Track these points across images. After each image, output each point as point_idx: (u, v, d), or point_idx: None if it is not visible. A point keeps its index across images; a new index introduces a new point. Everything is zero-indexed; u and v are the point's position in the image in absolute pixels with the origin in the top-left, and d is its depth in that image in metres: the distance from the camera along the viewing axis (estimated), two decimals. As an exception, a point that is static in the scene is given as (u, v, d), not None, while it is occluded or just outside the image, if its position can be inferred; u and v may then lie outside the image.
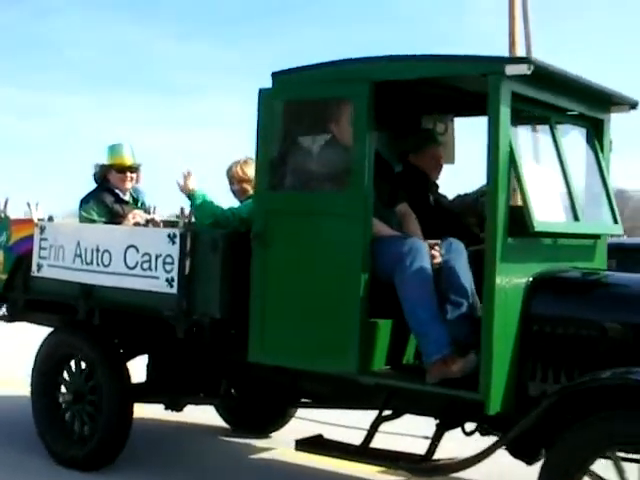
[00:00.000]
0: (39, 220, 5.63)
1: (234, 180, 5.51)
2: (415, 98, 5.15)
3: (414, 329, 4.26)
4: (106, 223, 5.60)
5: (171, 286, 4.84)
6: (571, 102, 4.55)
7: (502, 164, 3.97)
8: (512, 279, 4.03)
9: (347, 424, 5.17)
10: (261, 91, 4.58)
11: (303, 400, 5.33)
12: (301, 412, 6.18)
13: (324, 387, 4.89)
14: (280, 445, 6.17)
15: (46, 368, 5.61)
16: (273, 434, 6.47)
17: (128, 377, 5.39)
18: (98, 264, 5.20)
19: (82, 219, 5.67)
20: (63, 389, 5.60)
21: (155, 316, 4.99)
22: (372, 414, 4.99)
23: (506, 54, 13.60)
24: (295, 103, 4.64)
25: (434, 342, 4.14)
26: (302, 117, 4.67)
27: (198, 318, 4.78)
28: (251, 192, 5.43)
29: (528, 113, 4.41)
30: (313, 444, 4.50)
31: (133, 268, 5.02)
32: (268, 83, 4.55)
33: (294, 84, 4.57)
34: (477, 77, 4.22)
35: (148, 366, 5.75)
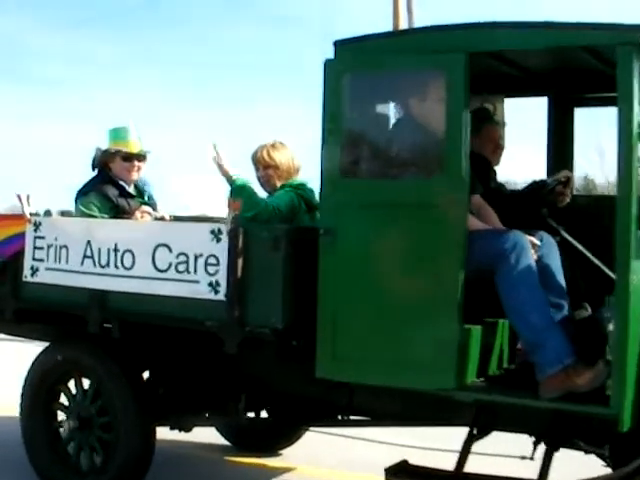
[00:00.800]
0: (32, 215, 4.77)
1: (259, 166, 4.82)
2: None
3: (526, 337, 3.73)
4: None
5: (216, 292, 4.11)
6: None
7: (635, 147, 3.49)
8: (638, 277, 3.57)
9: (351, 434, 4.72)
10: (327, 62, 3.94)
11: (355, 418, 4.69)
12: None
13: (391, 404, 4.26)
14: (297, 463, 5.57)
15: (43, 390, 4.77)
16: (283, 451, 5.83)
17: (149, 397, 4.64)
18: (117, 267, 4.39)
19: (81, 215, 4.84)
20: (64, 414, 4.79)
21: (192, 328, 4.26)
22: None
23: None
24: (368, 76, 4.00)
25: (553, 351, 3.60)
26: (378, 92, 4.06)
27: (253, 329, 4.07)
28: (278, 181, 4.78)
29: None
30: (404, 472, 3.88)
31: (165, 271, 4.25)
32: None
33: (368, 54, 3.94)
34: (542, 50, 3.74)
35: (151, 381, 4.97)
